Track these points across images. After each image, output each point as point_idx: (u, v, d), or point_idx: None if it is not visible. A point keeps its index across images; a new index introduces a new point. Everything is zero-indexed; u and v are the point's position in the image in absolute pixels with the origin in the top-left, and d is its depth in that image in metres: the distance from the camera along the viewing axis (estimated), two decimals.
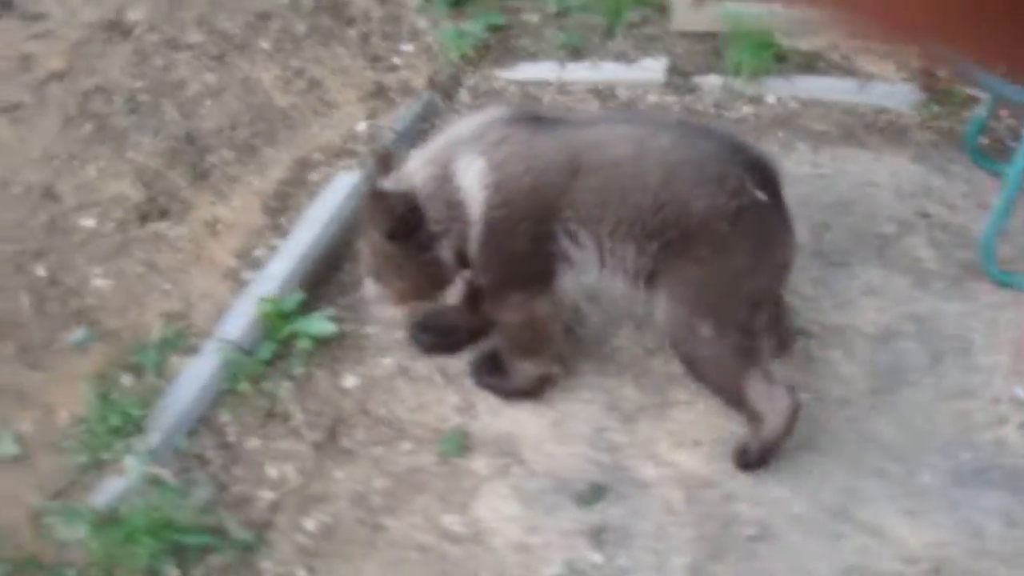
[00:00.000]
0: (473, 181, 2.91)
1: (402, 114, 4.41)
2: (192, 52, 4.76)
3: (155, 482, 3.06)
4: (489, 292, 3.11)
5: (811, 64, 4.32)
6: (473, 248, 2.97)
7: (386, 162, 3.16)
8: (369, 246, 3.12)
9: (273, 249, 3.87)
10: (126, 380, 3.40)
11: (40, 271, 3.76)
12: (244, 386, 3.37)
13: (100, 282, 3.78)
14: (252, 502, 3.10)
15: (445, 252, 3.03)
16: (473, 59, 4.68)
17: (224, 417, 3.34)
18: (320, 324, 3.51)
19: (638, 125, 2.98)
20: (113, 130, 4.31)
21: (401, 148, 4.07)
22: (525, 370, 3.23)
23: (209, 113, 4.47)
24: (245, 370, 3.40)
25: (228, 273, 3.81)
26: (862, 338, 3.43)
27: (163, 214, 4.04)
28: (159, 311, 3.66)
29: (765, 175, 2.83)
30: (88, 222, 4.01)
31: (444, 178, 2.94)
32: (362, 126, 4.38)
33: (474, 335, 3.47)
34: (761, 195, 2.78)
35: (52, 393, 3.34)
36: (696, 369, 2.98)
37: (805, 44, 4.39)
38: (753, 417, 2.97)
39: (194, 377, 3.38)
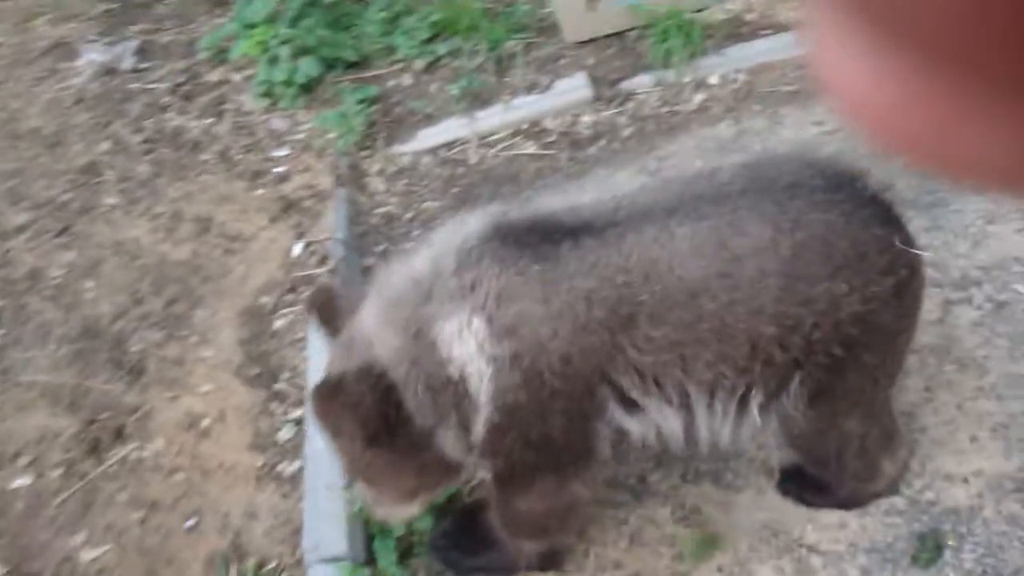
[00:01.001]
0: (471, 352, 1.98)
1: (333, 222, 3.62)
2: (26, 235, 3.67)
3: None
4: (504, 479, 2.25)
5: (735, 32, 4.05)
6: (479, 432, 2.08)
7: (327, 305, 2.28)
8: (342, 453, 2.21)
9: (296, 420, 2.99)
10: None
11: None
12: None
13: (90, 555, 2.71)
14: None
15: (448, 443, 2.14)
16: (364, 142, 3.98)
17: None
18: None
19: (709, 212, 1.96)
20: None
21: (338, 277, 3.33)
22: (527, 548, 2.46)
23: (96, 296, 3.43)
24: None
25: (258, 475, 2.87)
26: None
27: (118, 436, 3.00)
28: (203, 557, 2.68)
29: (885, 204, 2.07)
30: (22, 481, 2.90)
31: (422, 350, 2.02)
32: (297, 248, 3.54)
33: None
34: (917, 250, 2.06)
35: None
36: (831, 466, 2.38)
37: (720, 14, 4.11)
38: (856, 475, 2.45)
39: None
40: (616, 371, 1.97)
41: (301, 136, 4.03)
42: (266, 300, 3.38)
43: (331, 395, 2.03)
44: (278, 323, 3.31)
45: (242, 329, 3.29)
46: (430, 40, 4.27)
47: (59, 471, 2.92)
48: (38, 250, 3.62)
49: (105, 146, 4.01)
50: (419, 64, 4.25)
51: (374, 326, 2.07)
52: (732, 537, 2.53)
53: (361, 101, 4.06)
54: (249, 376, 3.15)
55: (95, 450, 2.97)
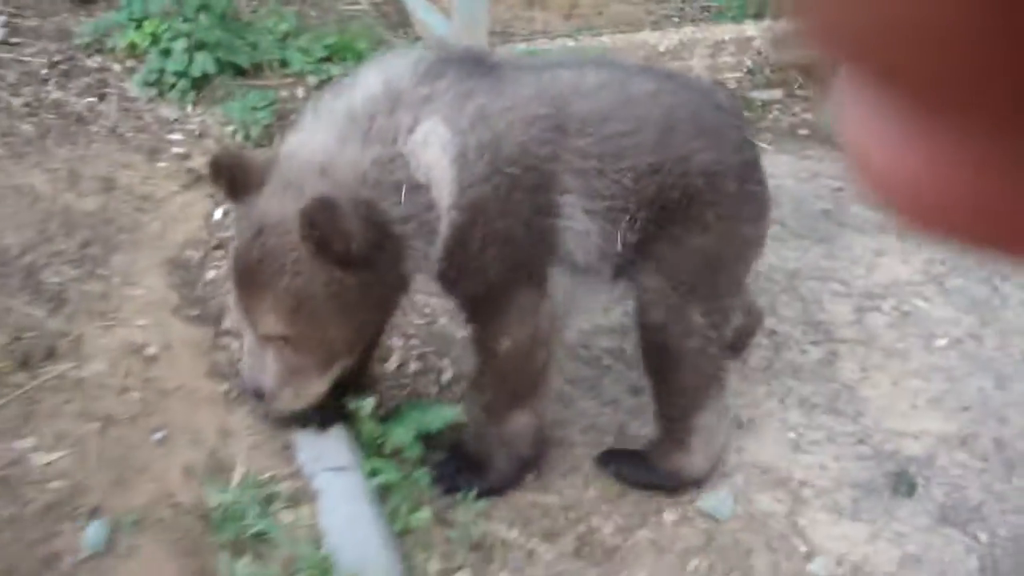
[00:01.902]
0: (436, 156, 2.13)
1: None
2: None
3: None
4: (476, 309, 2.34)
5: None
6: (439, 252, 2.19)
7: (234, 169, 2.20)
8: (287, 295, 2.12)
9: None
10: None
11: None
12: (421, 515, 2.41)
13: (44, 459, 2.40)
14: None
15: (411, 262, 2.21)
16: (262, 140, 3.93)
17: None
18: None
19: (610, 69, 2.40)
20: None
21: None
22: (519, 426, 2.46)
23: None
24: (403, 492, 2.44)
25: (226, 399, 2.67)
26: None
27: (50, 355, 2.70)
28: (180, 467, 2.45)
29: (740, 113, 2.61)
30: None
31: (390, 160, 2.13)
32: (218, 213, 3.40)
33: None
34: (766, 146, 2.68)
35: None
36: (669, 362, 2.44)
37: None
38: (681, 445, 2.54)
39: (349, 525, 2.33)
40: (559, 173, 2.23)
41: (193, 127, 3.91)
42: (192, 254, 3.20)
43: (326, 210, 2.04)
44: (210, 274, 3.14)
45: (171, 276, 3.09)
46: (325, 60, 4.35)
47: None
48: None
49: None
50: (312, 80, 4.30)
51: (326, 151, 2.14)
52: (725, 471, 2.69)
53: (259, 103, 4.02)
54: (190, 316, 2.95)
55: (26, 365, 2.64)
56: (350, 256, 2.08)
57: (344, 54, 4.39)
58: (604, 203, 2.27)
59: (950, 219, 0.27)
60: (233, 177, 2.17)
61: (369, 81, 2.21)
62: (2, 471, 2.33)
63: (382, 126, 2.14)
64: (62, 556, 2.14)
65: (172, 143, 3.76)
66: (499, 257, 2.23)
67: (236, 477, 2.43)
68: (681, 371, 2.45)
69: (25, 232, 3.11)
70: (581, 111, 2.25)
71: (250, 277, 2.14)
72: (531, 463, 2.55)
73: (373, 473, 2.43)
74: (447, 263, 2.22)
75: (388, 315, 2.48)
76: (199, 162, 3.67)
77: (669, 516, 2.55)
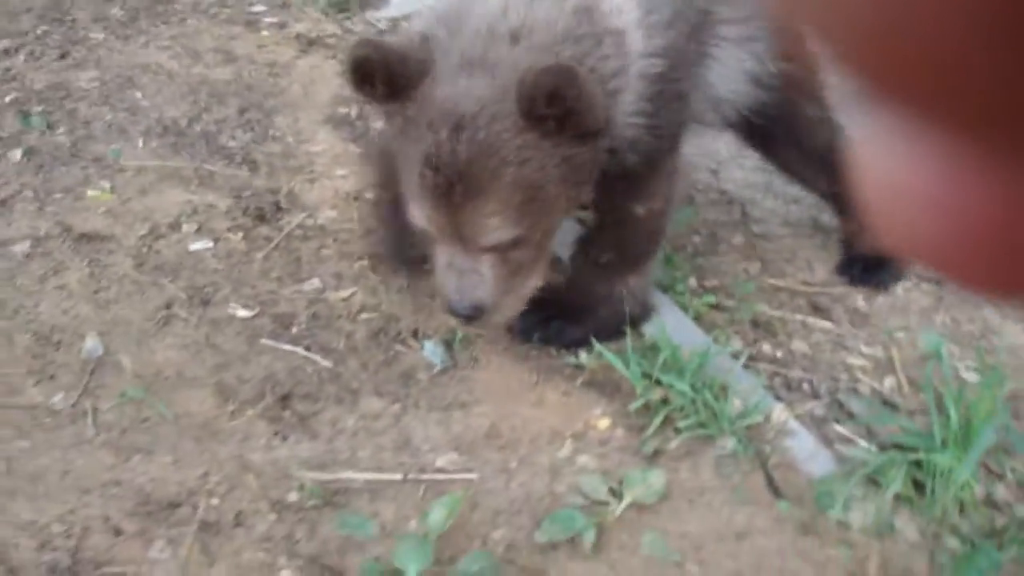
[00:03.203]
0: (627, 10, 1.88)
1: None
2: (19, 57, 3.05)
3: None
4: (628, 174, 2.04)
5: None
6: (633, 105, 1.92)
7: (390, 66, 1.77)
8: (515, 190, 1.81)
9: None
10: None
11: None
12: (705, 300, 2.45)
13: (339, 295, 2.36)
14: None
15: (619, 117, 1.92)
16: (343, 4, 3.83)
17: None
18: None
19: None
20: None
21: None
22: (630, 286, 2.24)
23: (155, 103, 2.95)
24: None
25: None
26: None
27: (278, 209, 2.63)
28: None
29: None
30: (203, 244, 2.44)
31: (587, 8, 1.85)
32: None
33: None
34: None
35: None
36: (841, 160, 2.21)
37: None
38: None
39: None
40: (708, 32, 2.05)
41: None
42: (345, 110, 3.12)
43: (570, 80, 1.70)
44: (379, 125, 3.07)
45: (339, 131, 3.01)
46: None
47: (238, 235, 2.47)
48: (45, 69, 3.02)
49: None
50: None
51: (513, 11, 1.81)
52: None
53: None
54: None
55: (263, 219, 2.56)
56: (593, 128, 1.79)
57: None
58: (753, 26, 2.11)
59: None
60: (390, 74, 1.76)
61: None
62: (307, 310, 2.28)
63: None
64: (415, 371, 2.13)
65: (260, 14, 3.62)
66: (675, 117, 2.01)
67: None
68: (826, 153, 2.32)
69: (180, 105, 2.97)
70: None
71: (461, 185, 1.78)
72: (632, 323, 2.25)
73: None
74: (635, 120, 1.93)
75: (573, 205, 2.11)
76: (302, 28, 3.55)
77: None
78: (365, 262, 2.44)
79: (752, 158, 2.64)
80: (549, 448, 1.94)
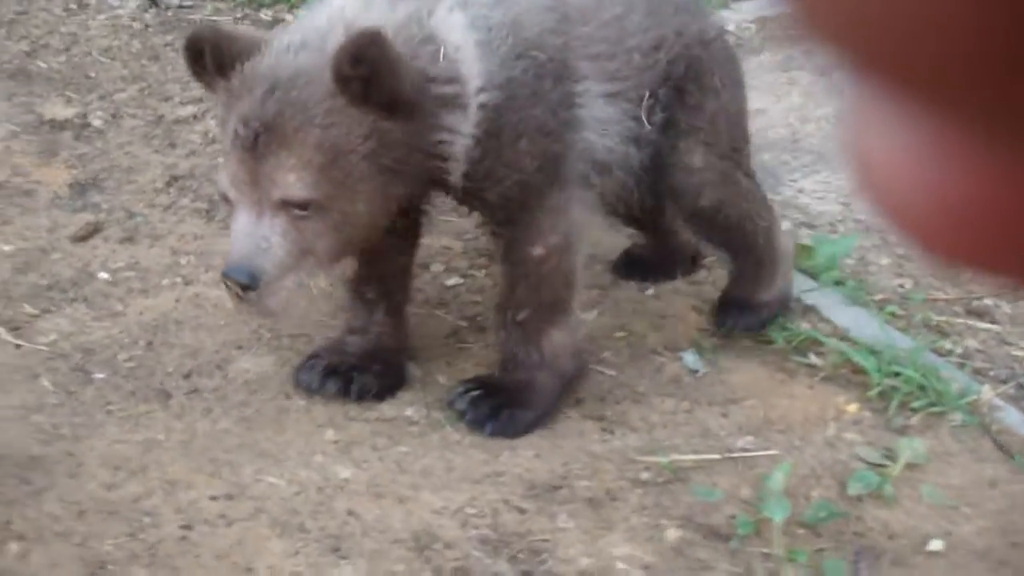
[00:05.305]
0: (461, 36, 2.06)
1: None
2: None
3: None
4: (506, 214, 2.22)
5: None
6: (470, 131, 2.07)
7: (221, 45, 1.99)
8: (318, 150, 1.93)
9: None
10: None
11: None
12: None
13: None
14: None
15: (445, 132, 2.06)
16: None
17: None
18: None
19: None
20: None
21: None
22: (558, 341, 2.34)
23: None
24: None
25: None
26: None
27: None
28: None
29: None
30: (454, 280, 2.88)
31: (421, 21, 2.04)
32: None
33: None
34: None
35: None
36: (736, 230, 2.54)
37: None
38: (771, 267, 2.65)
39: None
40: (574, 57, 2.20)
41: None
42: None
43: (376, 42, 1.88)
44: None
45: None
46: None
47: (481, 272, 2.92)
48: None
49: None
50: None
51: (350, 10, 2.02)
52: None
53: None
54: None
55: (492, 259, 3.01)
56: (399, 99, 1.93)
57: None
58: (621, 84, 2.28)
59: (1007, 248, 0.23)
60: (218, 51, 1.97)
61: None
62: None
63: None
64: (681, 377, 2.61)
65: None
66: (532, 150, 2.14)
67: None
68: (748, 229, 2.55)
69: None
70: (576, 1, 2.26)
71: (265, 136, 1.90)
72: (572, 381, 2.43)
73: None
74: (477, 156, 2.09)
75: (419, 201, 2.30)
76: None
77: None
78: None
79: None
80: (817, 429, 2.45)
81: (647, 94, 2.33)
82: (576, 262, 2.34)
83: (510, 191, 2.17)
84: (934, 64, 0.20)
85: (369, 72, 1.87)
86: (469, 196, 2.22)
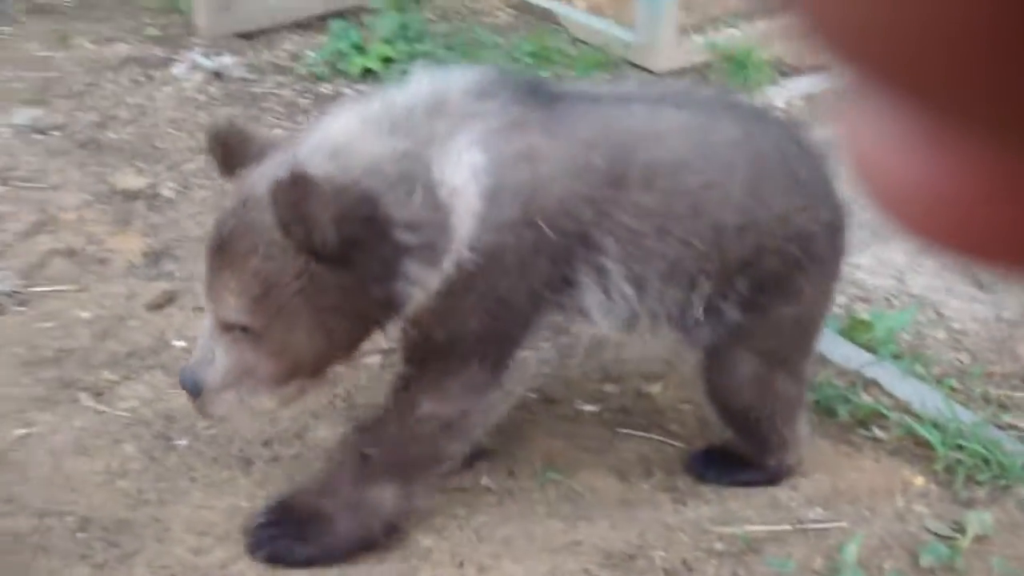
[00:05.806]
0: (466, 181, 1.90)
1: None
2: None
3: None
4: (423, 358, 2.07)
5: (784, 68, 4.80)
6: (434, 286, 1.94)
7: (233, 143, 2.03)
8: (254, 279, 1.88)
9: None
10: None
11: None
12: None
13: None
14: None
15: (403, 282, 1.92)
16: None
17: None
18: None
19: (689, 108, 2.13)
20: None
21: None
22: (385, 498, 2.14)
23: None
24: None
25: None
26: None
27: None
28: None
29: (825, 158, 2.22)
30: None
31: (417, 162, 1.90)
32: None
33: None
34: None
35: None
36: (755, 422, 2.37)
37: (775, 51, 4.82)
38: (780, 448, 2.46)
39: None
40: (601, 233, 1.99)
41: None
42: None
43: (294, 187, 1.77)
44: None
45: None
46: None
47: (546, 344, 2.99)
48: None
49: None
50: None
51: (344, 133, 1.94)
52: None
53: None
54: None
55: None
56: (318, 247, 1.83)
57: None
58: (663, 265, 2.05)
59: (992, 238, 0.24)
60: (228, 149, 2.01)
61: (416, 82, 2.01)
62: (636, 402, 2.80)
63: (416, 124, 1.92)
64: None
65: None
66: (486, 319, 2.00)
67: None
68: (766, 426, 2.40)
69: None
70: (650, 160, 2.01)
71: (220, 251, 1.91)
72: (372, 545, 2.19)
73: None
74: (428, 306, 1.97)
75: (365, 337, 2.10)
76: None
77: None
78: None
79: (929, 263, 3.31)
80: (885, 501, 2.50)
81: (709, 280, 2.09)
82: (455, 447, 2.15)
83: (439, 340, 2.03)
84: (941, 72, 0.21)
85: (281, 217, 1.80)
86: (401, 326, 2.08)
